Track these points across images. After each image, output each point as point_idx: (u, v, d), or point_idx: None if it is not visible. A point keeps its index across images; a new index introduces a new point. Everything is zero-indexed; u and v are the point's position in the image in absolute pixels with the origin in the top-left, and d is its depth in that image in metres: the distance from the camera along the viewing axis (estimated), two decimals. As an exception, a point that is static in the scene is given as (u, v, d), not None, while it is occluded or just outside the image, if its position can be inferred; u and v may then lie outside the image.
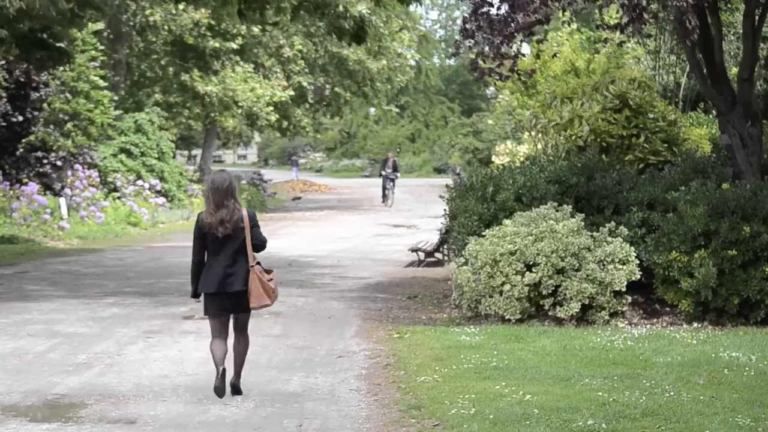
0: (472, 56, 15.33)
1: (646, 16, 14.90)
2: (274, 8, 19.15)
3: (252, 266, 8.89)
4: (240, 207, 8.99)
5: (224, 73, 39.09)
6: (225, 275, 8.87)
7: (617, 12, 16.48)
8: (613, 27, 15.70)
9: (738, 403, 8.54)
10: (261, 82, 40.16)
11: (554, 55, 21.79)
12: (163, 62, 38.63)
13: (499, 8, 14.83)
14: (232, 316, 9.07)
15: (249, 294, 8.88)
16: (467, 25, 14.81)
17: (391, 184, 43.51)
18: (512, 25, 14.56)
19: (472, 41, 15.05)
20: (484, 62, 15.17)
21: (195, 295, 9.09)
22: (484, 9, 14.70)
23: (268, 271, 9.06)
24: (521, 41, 15.40)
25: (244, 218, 8.92)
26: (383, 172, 44.44)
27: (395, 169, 44.36)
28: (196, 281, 9.00)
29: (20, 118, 28.55)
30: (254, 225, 9.00)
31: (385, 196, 43.45)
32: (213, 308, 8.98)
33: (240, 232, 8.89)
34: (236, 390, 9.12)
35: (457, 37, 16.08)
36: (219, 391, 8.86)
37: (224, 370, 8.86)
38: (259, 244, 8.99)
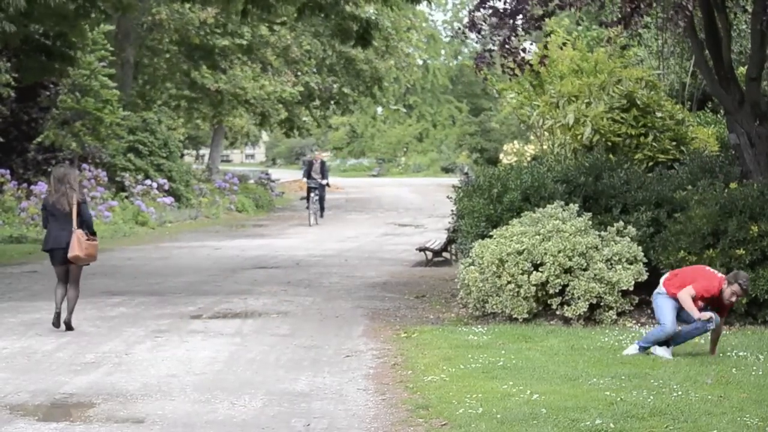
0: (481, 49, 15.39)
1: (642, 7, 14.96)
2: (279, 7, 19.10)
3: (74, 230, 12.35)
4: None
5: (233, 71, 39.06)
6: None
7: (617, 7, 16.47)
8: (615, 23, 15.71)
9: (746, 403, 8.53)
10: (270, 80, 40.14)
11: (563, 44, 21.68)
12: (173, 60, 38.61)
13: (505, 2, 14.87)
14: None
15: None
16: (474, 17, 14.88)
17: (317, 193, 32.27)
18: (518, 17, 14.60)
19: (479, 36, 15.13)
20: (491, 56, 15.23)
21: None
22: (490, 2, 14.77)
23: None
24: (527, 37, 15.45)
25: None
26: (307, 179, 32.93)
27: (324, 173, 32.94)
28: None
29: (29, 118, 28.57)
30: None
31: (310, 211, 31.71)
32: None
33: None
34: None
35: (460, 27, 16.09)
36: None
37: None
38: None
